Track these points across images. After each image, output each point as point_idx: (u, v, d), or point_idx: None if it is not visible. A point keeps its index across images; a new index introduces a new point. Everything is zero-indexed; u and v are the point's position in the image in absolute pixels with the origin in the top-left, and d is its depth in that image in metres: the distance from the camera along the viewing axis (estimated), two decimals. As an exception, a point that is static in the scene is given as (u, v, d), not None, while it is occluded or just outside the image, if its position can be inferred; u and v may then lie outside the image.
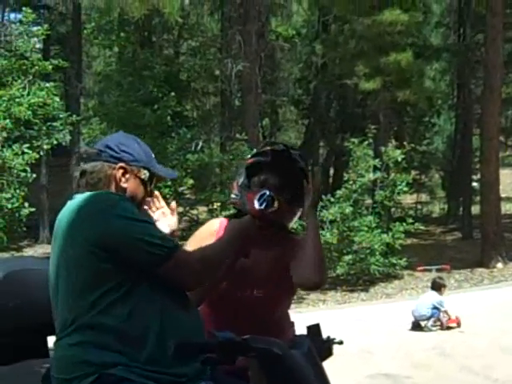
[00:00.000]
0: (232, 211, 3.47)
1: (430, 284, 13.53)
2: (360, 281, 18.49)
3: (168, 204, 3.14)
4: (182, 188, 18.67)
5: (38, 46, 25.09)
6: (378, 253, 17.89)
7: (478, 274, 18.93)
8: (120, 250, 2.53)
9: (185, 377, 2.53)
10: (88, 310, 2.51)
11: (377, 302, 16.91)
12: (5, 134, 18.05)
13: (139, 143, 2.90)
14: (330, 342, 3.02)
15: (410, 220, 18.94)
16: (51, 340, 3.30)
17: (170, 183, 17.65)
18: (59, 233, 2.67)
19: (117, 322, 2.50)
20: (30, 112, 18.38)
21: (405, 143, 19.86)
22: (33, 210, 18.41)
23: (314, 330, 2.85)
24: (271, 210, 3.04)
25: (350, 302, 17.41)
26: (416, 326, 12.56)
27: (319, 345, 2.79)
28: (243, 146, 19.16)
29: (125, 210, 2.59)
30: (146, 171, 2.84)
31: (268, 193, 3.04)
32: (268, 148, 3.26)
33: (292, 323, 3.33)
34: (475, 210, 24.91)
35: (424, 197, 35.13)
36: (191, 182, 18.87)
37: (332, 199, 18.36)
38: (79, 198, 2.70)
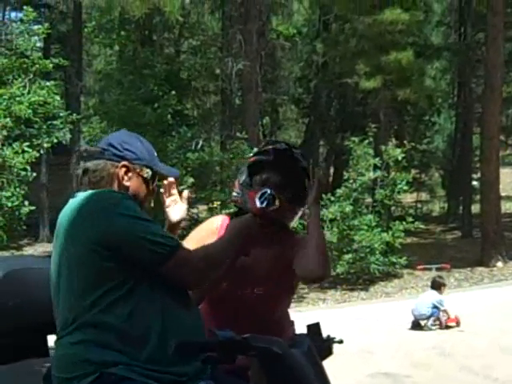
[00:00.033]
0: (233, 209, 3.47)
1: (429, 283, 13.53)
2: (360, 280, 18.49)
3: (180, 192, 3.13)
4: (182, 187, 18.63)
5: (38, 44, 25.01)
6: (377, 252, 17.88)
7: (477, 273, 18.93)
8: (122, 248, 2.53)
9: (185, 376, 2.53)
10: (90, 309, 2.51)
11: (377, 301, 16.90)
12: (5, 133, 18.04)
13: (142, 141, 2.90)
14: (329, 341, 3.02)
15: (410, 219, 18.92)
16: (51, 339, 3.31)
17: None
18: (61, 231, 2.67)
19: (118, 321, 2.50)
20: (30, 110, 18.38)
21: (405, 142, 19.85)
22: (33, 208, 18.42)
23: (314, 329, 2.85)
24: (272, 209, 3.05)
25: (349, 300, 17.41)
26: (416, 325, 12.56)
27: (319, 344, 2.79)
28: (243, 145, 19.15)
29: (127, 209, 2.59)
30: (148, 170, 2.84)
31: (269, 191, 3.05)
32: (270, 147, 3.27)
33: (292, 322, 3.33)
34: (475, 208, 24.93)
35: (424, 196, 35.14)
36: (191, 180, 18.86)
37: (332, 198, 18.36)
38: (81, 196, 2.70)
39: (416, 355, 10.23)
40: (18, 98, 18.42)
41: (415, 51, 22.20)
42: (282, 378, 2.39)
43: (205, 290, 3.11)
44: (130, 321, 2.51)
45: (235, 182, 3.30)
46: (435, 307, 12.41)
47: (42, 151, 19.50)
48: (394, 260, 18.22)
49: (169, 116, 21.80)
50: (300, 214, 3.29)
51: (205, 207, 20.41)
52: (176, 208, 3.07)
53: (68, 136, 21.72)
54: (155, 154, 2.93)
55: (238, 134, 20.61)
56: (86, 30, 27.34)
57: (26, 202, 18.01)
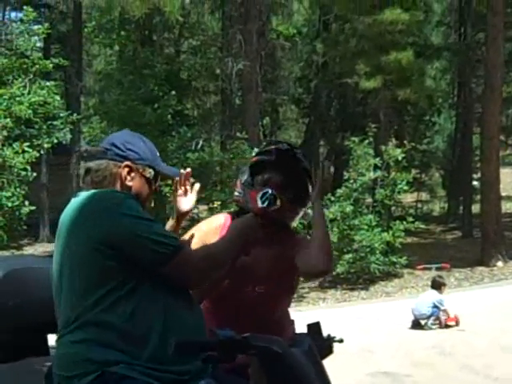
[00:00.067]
0: (233, 209, 3.48)
1: (429, 283, 13.53)
2: (360, 279, 18.49)
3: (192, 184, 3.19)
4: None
5: (38, 44, 25.02)
6: (378, 251, 17.88)
7: (478, 272, 18.93)
8: (125, 247, 2.53)
9: (187, 375, 2.53)
10: (92, 308, 2.52)
11: (377, 301, 16.90)
12: (5, 133, 18.04)
13: (144, 141, 2.91)
14: (330, 341, 3.03)
15: (411, 219, 18.91)
16: (51, 338, 3.31)
17: (170, 182, 17.64)
18: (63, 230, 2.67)
19: (120, 320, 2.50)
20: (30, 111, 18.38)
21: (405, 142, 19.84)
22: (33, 208, 18.42)
23: (315, 328, 2.85)
24: (273, 209, 3.05)
25: (350, 300, 17.41)
26: (416, 325, 12.56)
27: (320, 343, 2.79)
28: (243, 145, 19.15)
29: (130, 208, 2.59)
30: (151, 170, 2.84)
31: (270, 191, 3.06)
32: (272, 147, 3.27)
33: (292, 321, 3.34)
34: (475, 208, 24.93)
35: (424, 195, 35.16)
36: (192, 180, 18.83)
37: (332, 198, 18.35)
38: (84, 195, 2.71)
39: (416, 354, 10.23)
40: (18, 98, 18.43)
41: (415, 51, 22.20)
42: (282, 378, 2.39)
43: (205, 290, 3.11)
44: (132, 320, 2.51)
45: (237, 181, 3.31)
46: (435, 307, 12.41)
47: (42, 151, 19.51)
48: (395, 260, 18.22)
49: (169, 116, 21.81)
50: (301, 214, 3.30)
51: (205, 207, 20.42)
52: (187, 198, 3.13)
53: (68, 136, 21.74)
54: (158, 153, 2.93)
55: (238, 134, 20.61)
56: (86, 30, 27.35)
57: (27, 202, 18.01)
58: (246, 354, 2.35)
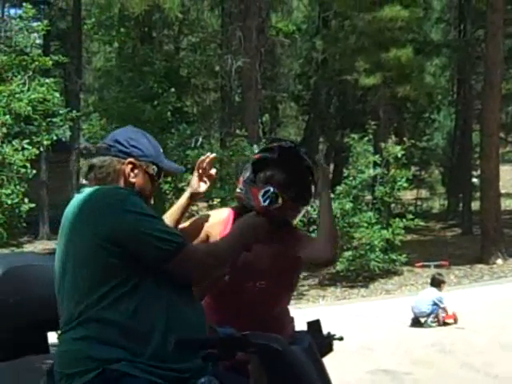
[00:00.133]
0: (235, 204, 3.49)
1: (429, 280, 13.53)
2: (360, 277, 18.48)
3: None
4: (182, 184, 18.62)
5: (38, 41, 25.07)
6: (377, 249, 17.86)
7: (477, 270, 18.92)
8: (129, 244, 2.54)
9: (188, 372, 2.53)
10: (94, 305, 2.52)
11: (376, 298, 16.90)
12: (5, 130, 18.02)
13: (148, 138, 2.91)
14: (330, 338, 3.03)
15: (410, 216, 18.89)
16: (51, 336, 3.31)
17: (170, 179, 17.66)
18: (66, 227, 2.67)
19: (123, 317, 2.51)
20: (29, 108, 18.36)
21: (405, 139, 19.79)
22: (33, 205, 18.38)
23: (315, 325, 2.86)
24: (275, 207, 3.05)
25: (349, 298, 17.40)
26: (416, 323, 12.56)
27: (319, 341, 2.80)
28: (243, 142, 19.13)
29: (134, 205, 2.60)
30: (154, 166, 2.85)
31: (272, 189, 3.06)
32: (275, 144, 3.27)
33: (292, 319, 3.35)
34: (475, 206, 24.92)
35: (424, 193, 35.18)
36: (191, 177, 18.84)
37: (332, 195, 18.31)
38: (87, 191, 2.71)
39: (416, 352, 10.24)
40: (17, 95, 18.41)
41: (415, 48, 22.18)
42: (282, 375, 2.39)
43: (206, 287, 3.11)
44: (135, 317, 2.51)
45: (239, 178, 3.32)
46: (435, 304, 12.41)
47: (41, 148, 19.47)
48: (394, 257, 18.21)
49: (168, 113, 21.81)
50: (303, 212, 3.31)
51: (204, 204, 20.42)
52: (203, 181, 3.26)
53: (68, 133, 21.75)
54: (161, 150, 2.94)
55: (237, 131, 20.58)
56: (85, 27, 27.37)
57: (26, 200, 17.98)
58: (246, 351, 2.35)
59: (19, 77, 19.12)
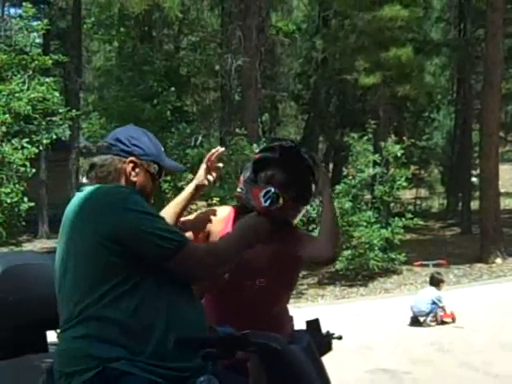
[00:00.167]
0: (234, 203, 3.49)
1: (428, 279, 13.52)
2: (359, 276, 18.47)
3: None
4: (181, 183, 18.64)
5: (37, 40, 25.06)
6: (377, 248, 17.86)
7: (476, 269, 18.91)
8: (130, 243, 2.54)
9: (188, 371, 2.54)
10: (95, 303, 2.52)
11: (376, 297, 16.89)
12: (4, 129, 18.03)
13: (149, 137, 2.91)
14: (329, 337, 3.03)
15: (409, 215, 18.89)
16: (50, 335, 3.31)
17: (169, 178, 17.66)
18: (67, 225, 2.67)
19: (123, 315, 2.51)
20: (29, 107, 18.38)
21: (404, 138, 19.78)
22: (32, 204, 18.39)
23: (314, 325, 2.86)
24: (276, 207, 3.06)
25: (348, 297, 17.39)
26: (415, 322, 12.54)
27: (318, 340, 2.80)
28: (243, 141, 19.13)
29: (136, 204, 2.60)
30: (155, 165, 2.85)
31: (273, 190, 3.06)
32: (276, 144, 3.27)
33: (291, 318, 3.35)
34: (474, 205, 24.91)
35: (423, 192, 35.19)
36: (191, 176, 18.84)
37: (331, 194, 18.29)
38: (88, 190, 2.71)
39: (415, 351, 10.23)
40: (17, 95, 18.42)
41: (415, 47, 22.17)
42: (281, 374, 2.39)
43: (206, 286, 3.12)
44: (135, 316, 2.52)
45: (240, 177, 3.32)
46: (434, 303, 12.40)
47: (41, 147, 19.49)
48: (393, 256, 18.20)
49: (168, 112, 21.81)
50: (303, 211, 3.31)
51: (204, 203, 20.42)
52: (210, 174, 3.28)
53: (67, 132, 21.75)
54: (162, 149, 2.94)
55: (237, 131, 20.57)
56: (85, 26, 27.40)
57: (26, 199, 17.98)
58: (246, 350, 2.36)
59: (19, 76, 19.14)
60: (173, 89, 21.90)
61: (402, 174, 18.69)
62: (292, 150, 3.23)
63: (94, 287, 2.53)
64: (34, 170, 18.57)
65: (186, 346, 2.30)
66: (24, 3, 21.13)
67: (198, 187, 3.29)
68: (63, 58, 21.09)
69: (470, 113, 27.35)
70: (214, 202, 16.92)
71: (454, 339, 11.02)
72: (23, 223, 18.96)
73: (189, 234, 3.16)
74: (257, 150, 3.56)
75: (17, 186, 17.76)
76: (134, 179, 2.79)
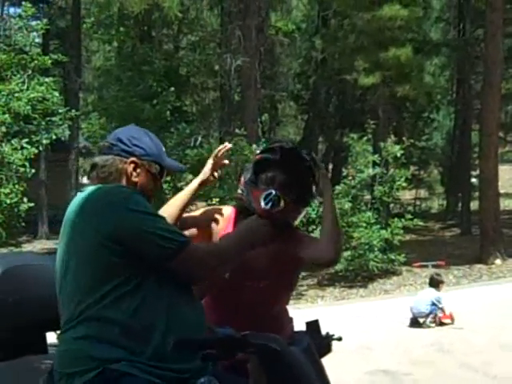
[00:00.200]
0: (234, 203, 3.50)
1: (428, 280, 13.52)
2: (359, 277, 18.47)
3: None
4: (181, 183, 18.64)
5: (37, 40, 25.07)
6: (376, 249, 17.85)
7: (476, 270, 18.90)
8: (132, 243, 2.54)
9: (188, 373, 2.53)
10: (96, 304, 2.52)
11: (375, 298, 16.89)
12: (4, 129, 18.01)
13: (150, 137, 2.91)
14: (328, 339, 3.03)
15: (409, 216, 18.89)
16: (50, 336, 3.30)
17: (169, 178, 17.65)
18: (68, 225, 2.66)
19: (124, 316, 2.51)
20: (29, 107, 18.35)
21: (404, 139, 19.76)
22: (32, 205, 18.36)
23: (313, 326, 2.86)
24: (277, 210, 3.05)
25: (348, 298, 17.39)
26: (414, 323, 12.54)
27: (318, 341, 2.80)
28: (242, 142, 19.13)
29: (137, 204, 2.60)
30: (156, 165, 2.85)
31: (274, 192, 3.06)
32: (277, 145, 3.27)
33: (291, 319, 3.35)
34: (474, 205, 24.92)
35: (423, 193, 35.22)
36: (190, 177, 18.85)
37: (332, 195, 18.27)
38: (90, 190, 2.71)
39: (415, 352, 10.23)
40: (16, 95, 18.39)
41: (414, 47, 22.17)
42: (281, 376, 2.39)
43: (206, 287, 3.11)
44: (136, 316, 2.51)
45: (241, 178, 3.32)
46: (434, 305, 12.41)
47: (40, 148, 19.46)
48: (393, 257, 18.19)
49: (167, 112, 21.78)
50: (304, 213, 3.31)
51: (203, 204, 20.41)
52: (215, 170, 3.33)
53: (67, 132, 21.70)
54: (163, 149, 2.94)
55: (236, 131, 20.58)
56: (84, 25, 27.37)
57: (25, 199, 17.96)
58: (245, 352, 2.35)
59: (18, 76, 19.11)
60: (172, 89, 21.88)
61: (402, 175, 18.68)
62: (293, 151, 3.23)
63: (95, 287, 2.53)
64: (33, 171, 18.55)
65: (185, 347, 2.29)
66: (23, 2, 21.10)
67: (202, 182, 3.31)
68: (63, 57, 21.07)
69: (469, 113, 27.35)
70: (214, 202, 16.92)
71: (453, 340, 11.02)
72: (23, 224, 18.93)
73: (192, 231, 3.17)
74: (257, 151, 3.55)
75: (16, 186, 17.74)
76: (136, 179, 2.79)
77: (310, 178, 3.22)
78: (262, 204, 3.07)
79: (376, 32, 20.75)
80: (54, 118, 19.88)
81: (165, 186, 17.96)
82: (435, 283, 12.78)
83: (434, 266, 16.15)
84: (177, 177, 18.32)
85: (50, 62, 20.19)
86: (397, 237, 18.29)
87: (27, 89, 18.77)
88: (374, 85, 21.16)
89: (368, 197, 20.04)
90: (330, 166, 31.51)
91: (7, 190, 17.52)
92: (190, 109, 28.46)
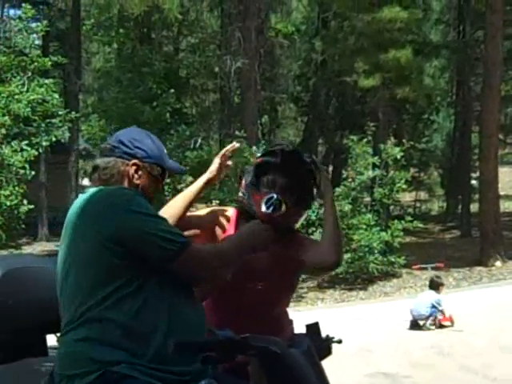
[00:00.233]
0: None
1: (428, 282, 13.52)
2: (359, 279, 18.47)
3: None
4: (180, 185, 18.63)
5: (37, 42, 25.04)
6: (376, 251, 17.86)
7: (476, 272, 18.91)
8: (133, 244, 2.54)
9: (188, 375, 2.53)
10: (97, 305, 2.51)
11: (375, 301, 16.89)
12: (4, 131, 18.01)
13: (152, 139, 2.91)
14: (329, 341, 3.03)
15: (409, 218, 18.91)
16: (50, 338, 3.30)
17: (168, 180, 17.64)
18: (69, 227, 2.66)
19: (126, 317, 2.50)
20: (28, 109, 18.35)
21: (404, 141, 19.81)
22: (31, 207, 18.37)
23: (313, 328, 2.85)
24: (278, 214, 3.06)
25: (348, 300, 17.40)
26: (414, 325, 12.54)
27: (318, 343, 2.79)
28: (242, 143, 19.13)
29: (139, 205, 2.60)
30: (158, 167, 2.85)
31: (275, 196, 3.06)
32: (278, 148, 3.27)
33: (291, 321, 3.34)
34: (474, 208, 24.92)
35: (423, 195, 35.22)
36: (190, 179, 18.85)
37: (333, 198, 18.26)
38: (91, 191, 2.71)
39: (415, 355, 10.23)
40: (16, 96, 18.40)
41: (414, 49, 22.20)
42: (281, 378, 2.39)
43: (207, 290, 3.11)
44: (138, 318, 2.51)
45: (242, 181, 3.31)
46: (434, 307, 12.40)
47: (40, 150, 19.46)
48: (393, 259, 18.20)
49: (167, 114, 21.80)
50: (305, 216, 3.30)
51: (203, 206, 20.40)
52: (221, 170, 3.31)
53: (67, 134, 21.71)
54: (165, 150, 2.94)
55: (236, 133, 20.58)
56: (84, 27, 27.38)
57: (25, 201, 17.97)
58: (245, 354, 2.35)
59: (18, 78, 19.12)
60: (172, 90, 21.90)
61: (402, 177, 18.70)
62: (294, 154, 3.22)
63: (96, 289, 2.52)
64: (33, 173, 18.55)
65: (185, 349, 2.29)
66: (23, 4, 21.12)
67: (208, 181, 3.30)
68: (62, 59, 21.08)
69: (469, 115, 27.37)
70: (214, 204, 16.91)
71: (453, 342, 11.01)
72: (23, 226, 18.94)
73: (195, 231, 3.17)
74: (258, 154, 3.57)
75: (16, 188, 17.74)
76: (137, 182, 2.79)
77: (312, 180, 3.22)
78: (264, 208, 3.07)
79: (376, 34, 20.78)
80: (53, 120, 19.88)
81: (164, 187, 17.95)
82: (435, 286, 12.78)
83: (433, 269, 16.15)
84: (176, 179, 18.32)
85: (49, 63, 20.20)
86: (397, 239, 18.29)
87: (27, 91, 18.78)
88: (374, 87, 21.18)
89: (368, 199, 20.05)
90: (330, 168, 31.48)
91: (7, 192, 17.52)
92: (189, 111, 28.49)
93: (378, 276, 18.40)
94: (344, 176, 19.47)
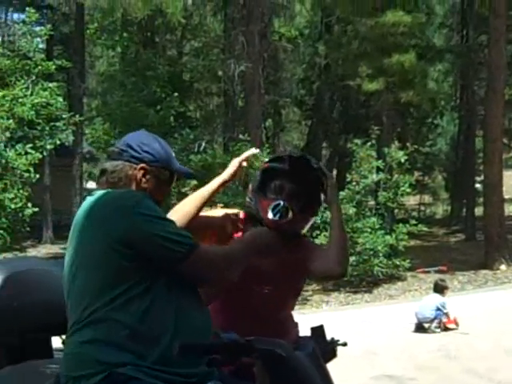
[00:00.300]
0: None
1: (432, 286, 13.52)
2: (363, 282, 18.46)
3: None
4: (185, 188, 18.65)
5: (41, 46, 25.04)
6: (381, 254, 17.85)
7: (481, 275, 18.88)
8: (142, 247, 2.55)
9: (194, 377, 2.53)
10: (105, 306, 2.52)
11: (380, 304, 16.88)
12: (8, 134, 18.02)
13: (160, 142, 2.92)
14: (334, 344, 3.03)
15: (414, 221, 18.90)
16: (55, 340, 3.30)
17: (173, 183, 17.63)
18: (76, 229, 2.67)
19: (133, 319, 2.51)
20: (33, 112, 18.35)
21: (408, 144, 19.80)
22: (36, 210, 18.37)
23: (318, 331, 2.86)
24: (285, 221, 3.06)
25: (353, 303, 17.38)
26: (419, 328, 12.53)
27: (323, 346, 2.80)
28: (246, 147, 19.11)
29: (148, 208, 2.61)
30: (166, 171, 2.86)
31: (282, 203, 3.07)
32: (286, 154, 3.28)
33: (296, 324, 3.35)
34: (478, 211, 24.90)
35: (427, 198, 35.22)
36: (194, 182, 18.85)
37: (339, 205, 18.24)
38: (99, 194, 2.72)
39: (420, 358, 10.21)
40: (20, 100, 18.40)
41: (417, 53, 22.19)
42: (286, 380, 2.40)
43: (213, 293, 3.11)
44: (144, 319, 2.52)
45: (249, 186, 3.32)
46: (438, 310, 12.40)
47: (44, 153, 19.47)
48: (398, 263, 18.18)
49: (171, 118, 21.81)
50: (311, 222, 3.30)
51: (208, 209, 20.37)
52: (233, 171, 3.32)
53: (71, 138, 21.75)
54: (173, 154, 2.95)
55: (240, 136, 20.59)
56: (88, 31, 27.44)
57: (30, 204, 17.96)
58: (250, 357, 2.35)
59: (22, 81, 19.12)
60: (176, 94, 21.91)
61: (406, 180, 18.69)
62: (301, 160, 3.23)
63: (104, 291, 2.53)
64: (37, 176, 18.54)
65: (190, 352, 2.29)
66: (27, 8, 21.12)
67: (224, 182, 3.34)
68: (66, 63, 21.10)
69: (473, 119, 27.37)
70: (218, 208, 16.92)
71: (458, 345, 11.00)
72: (27, 229, 18.94)
73: (205, 231, 3.19)
74: (261, 157, 3.58)
75: (21, 191, 17.74)
76: (145, 186, 2.79)
77: (319, 187, 3.22)
78: (270, 215, 3.07)
79: (379, 38, 20.78)
80: (57, 124, 19.88)
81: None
82: (440, 289, 12.78)
83: (436, 272, 16.14)
84: (181, 182, 18.32)
85: (53, 67, 20.20)
86: (401, 242, 18.28)
87: (31, 94, 18.78)
88: (378, 91, 21.18)
89: (372, 202, 20.04)
90: (334, 172, 31.44)
91: (12, 195, 17.52)
92: (193, 114, 28.51)
93: (382, 279, 18.39)
94: (348, 180, 19.41)
